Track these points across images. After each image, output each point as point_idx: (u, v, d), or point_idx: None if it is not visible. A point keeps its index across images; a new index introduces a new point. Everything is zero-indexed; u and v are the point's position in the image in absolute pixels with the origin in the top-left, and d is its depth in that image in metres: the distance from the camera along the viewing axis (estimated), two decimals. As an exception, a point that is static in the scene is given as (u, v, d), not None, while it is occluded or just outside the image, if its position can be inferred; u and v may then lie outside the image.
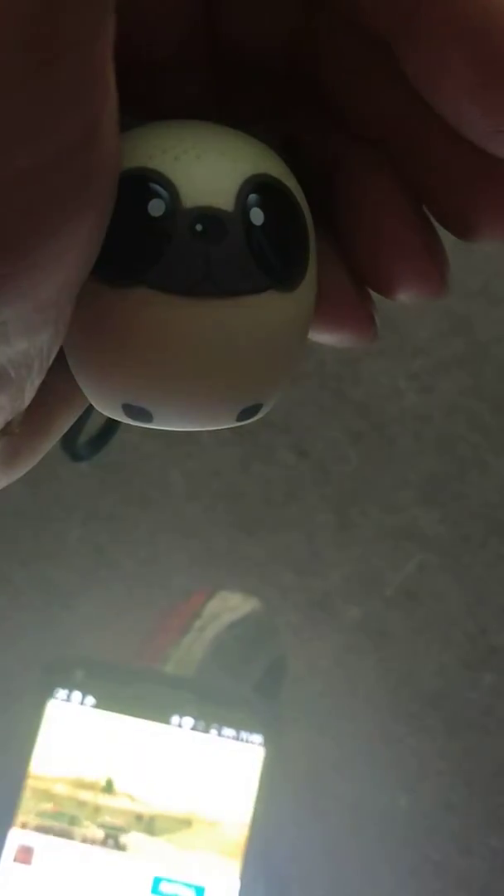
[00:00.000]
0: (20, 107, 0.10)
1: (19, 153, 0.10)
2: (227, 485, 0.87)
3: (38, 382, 0.14)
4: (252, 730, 0.52)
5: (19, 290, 0.11)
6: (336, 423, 0.90)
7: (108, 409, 0.16)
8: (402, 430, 0.90)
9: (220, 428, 0.16)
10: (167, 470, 0.87)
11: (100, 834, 0.50)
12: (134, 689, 0.53)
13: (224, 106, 0.16)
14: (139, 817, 0.50)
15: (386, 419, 0.90)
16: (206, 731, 0.52)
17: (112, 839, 0.50)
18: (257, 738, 0.52)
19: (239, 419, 0.16)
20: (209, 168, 0.14)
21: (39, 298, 0.12)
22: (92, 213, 0.12)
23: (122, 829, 0.50)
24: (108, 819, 0.50)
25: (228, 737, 0.52)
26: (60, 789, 0.51)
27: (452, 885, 0.72)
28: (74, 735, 0.52)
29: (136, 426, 0.16)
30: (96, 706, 0.53)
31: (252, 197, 0.14)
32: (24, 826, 0.50)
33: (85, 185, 0.11)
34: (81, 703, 0.53)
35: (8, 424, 0.14)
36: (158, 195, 0.14)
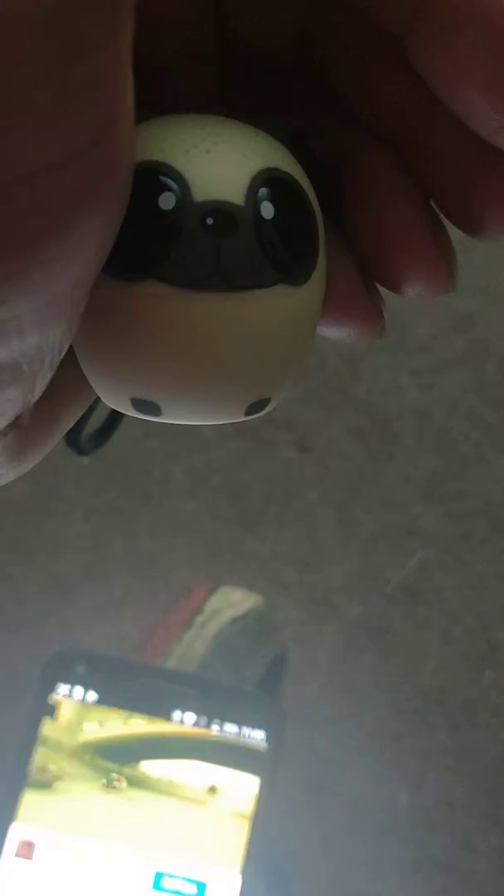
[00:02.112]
0: (39, 106, 0.10)
1: (37, 150, 0.10)
2: (229, 481, 0.87)
3: (49, 376, 0.14)
4: (254, 725, 0.52)
5: (34, 284, 0.11)
6: (338, 420, 0.90)
7: (117, 403, 0.16)
8: (404, 427, 0.90)
9: (227, 422, 0.16)
10: (168, 465, 0.88)
11: (101, 829, 0.50)
12: (136, 684, 0.53)
13: (234, 100, 0.16)
14: (141, 812, 0.50)
15: (387, 416, 0.91)
16: (208, 726, 0.52)
17: (114, 834, 0.50)
18: (259, 734, 0.52)
19: (247, 413, 0.16)
20: (220, 162, 0.14)
21: (53, 293, 0.12)
22: (106, 209, 0.12)
23: (124, 824, 0.50)
24: (109, 814, 0.50)
25: (230, 732, 0.52)
26: (62, 784, 0.51)
27: (454, 882, 0.72)
28: (76, 730, 0.52)
29: (142, 420, 0.16)
30: (98, 701, 0.53)
31: (262, 191, 0.14)
32: (25, 821, 0.50)
33: (100, 181, 0.11)
34: (83, 699, 0.53)
35: (18, 417, 0.14)
36: (169, 189, 0.14)
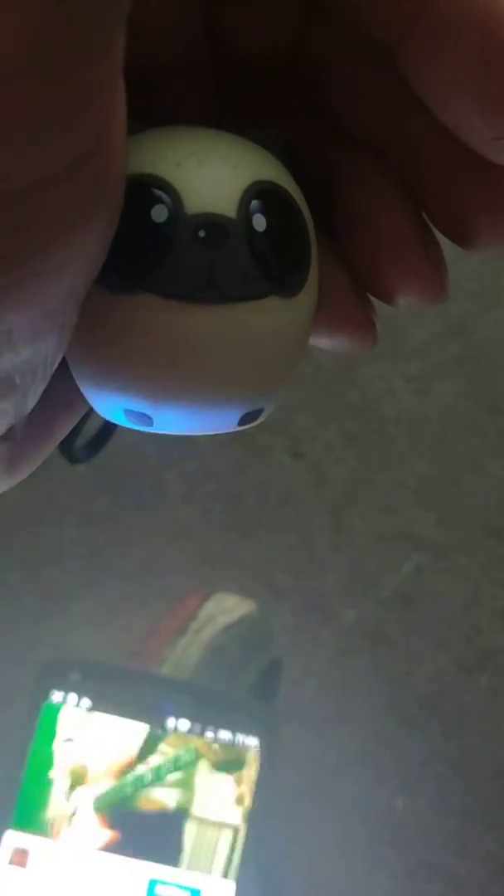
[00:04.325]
0: (30, 120, 0.10)
1: (29, 164, 0.10)
2: (224, 486, 0.87)
3: (41, 388, 0.14)
4: (248, 732, 0.52)
5: (25, 297, 0.11)
6: (332, 426, 0.90)
7: (109, 414, 0.16)
8: (399, 432, 0.90)
9: (220, 433, 0.16)
10: (163, 471, 0.87)
11: (95, 836, 0.50)
12: (129, 691, 0.53)
13: (226, 111, 0.16)
14: (134, 819, 0.50)
15: (382, 421, 0.91)
16: (202, 733, 0.52)
17: (107, 841, 0.50)
18: (253, 741, 0.52)
19: (240, 424, 0.16)
20: (211, 174, 0.14)
21: (45, 306, 0.12)
22: (98, 222, 0.12)
23: (117, 832, 0.50)
24: (102, 822, 0.50)
25: (224, 739, 0.52)
26: (56, 791, 0.51)
27: (449, 888, 0.72)
28: (70, 737, 0.52)
29: (136, 430, 0.16)
30: (92, 708, 0.53)
31: (254, 203, 0.14)
32: (19, 828, 0.50)
33: (92, 194, 0.11)
34: (77, 706, 0.53)
35: (10, 429, 0.14)
36: (161, 201, 0.14)
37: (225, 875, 0.49)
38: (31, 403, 0.14)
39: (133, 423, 0.15)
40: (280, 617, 0.79)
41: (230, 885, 0.49)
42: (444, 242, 0.16)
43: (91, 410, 0.17)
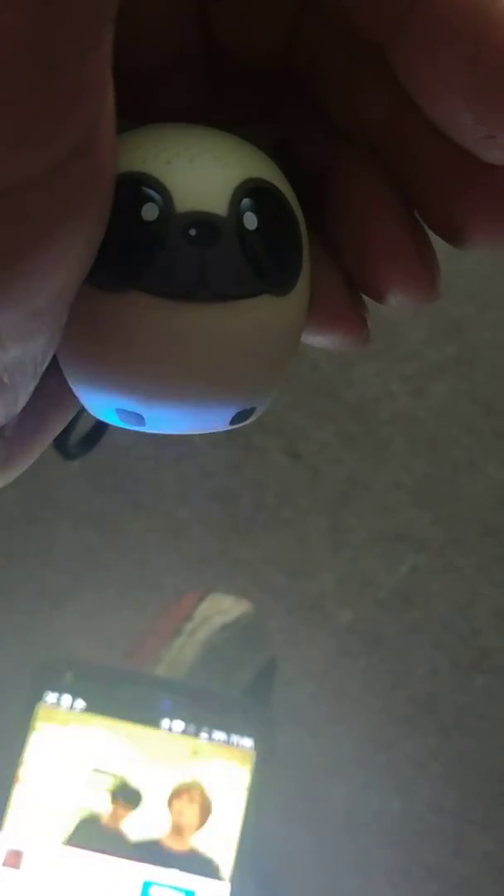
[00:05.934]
0: (18, 117, 0.10)
1: (17, 162, 0.10)
2: (220, 487, 0.87)
3: (32, 388, 0.14)
4: (243, 733, 0.52)
5: (15, 297, 0.11)
6: (329, 426, 0.90)
7: (101, 413, 0.16)
8: (395, 432, 0.90)
9: (212, 432, 0.16)
10: (159, 471, 0.87)
11: (89, 837, 0.50)
12: (124, 691, 0.53)
13: (217, 109, 0.16)
14: (128, 821, 0.50)
15: (378, 422, 0.91)
16: (197, 734, 0.52)
17: (101, 843, 0.50)
18: (248, 742, 0.52)
19: (232, 423, 0.16)
20: (203, 172, 0.14)
21: (34, 305, 0.12)
22: (88, 220, 0.12)
23: (112, 833, 0.50)
24: (97, 822, 0.50)
25: (219, 740, 0.52)
26: (49, 793, 0.51)
27: (446, 888, 0.72)
28: (64, 738, 0.52)
29: (129, 429, 0.16)
30: (86, 709, 0.53)
31: (246, 201, 0.14)
32: (12, 830, 0.50)
33: (81, 192, 0.11)
34: (71, 707, 0.53)
35: (1, 429, 0.14)
36: (152, 199, 0.14)
37: (220, 877, 0.49)
38: (22, 402, 0.14)
39: (125, 422, 0.15)
40: (276, 617, 0.79)
41: (225, 887, 0.48)
42: (439, 243, 0.16)
43: (84, 407, 0.17)
